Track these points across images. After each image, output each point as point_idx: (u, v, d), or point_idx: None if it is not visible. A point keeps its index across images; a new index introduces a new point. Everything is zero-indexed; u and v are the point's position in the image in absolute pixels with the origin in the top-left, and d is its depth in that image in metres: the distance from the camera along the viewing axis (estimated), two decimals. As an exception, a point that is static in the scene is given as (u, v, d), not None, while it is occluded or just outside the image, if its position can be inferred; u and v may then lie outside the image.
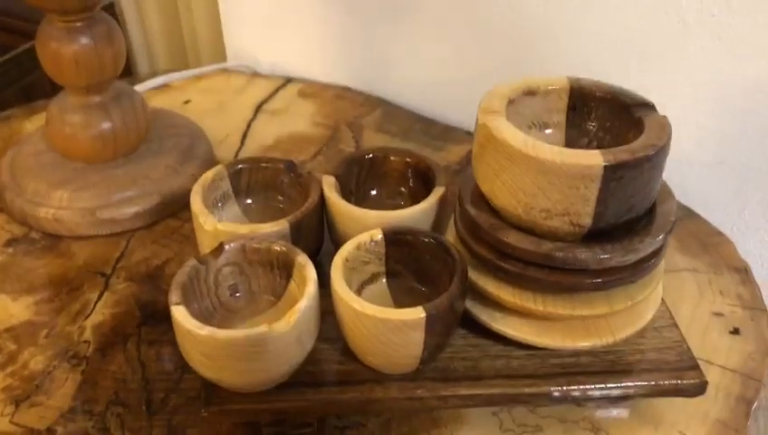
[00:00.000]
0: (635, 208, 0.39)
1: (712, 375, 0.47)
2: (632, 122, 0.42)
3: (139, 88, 0.72)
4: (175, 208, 0.60)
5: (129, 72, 0.92)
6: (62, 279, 0.54)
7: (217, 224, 0.44)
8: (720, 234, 0.60)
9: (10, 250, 0.56)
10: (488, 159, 0.40)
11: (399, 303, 0.44)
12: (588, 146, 0.44)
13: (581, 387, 0.42)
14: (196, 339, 0.37)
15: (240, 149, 0.68)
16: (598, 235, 0.39)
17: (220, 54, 0.86)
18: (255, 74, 0.81)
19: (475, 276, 0.43)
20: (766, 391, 0.48)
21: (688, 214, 0.61)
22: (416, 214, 0.45)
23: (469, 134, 0.71)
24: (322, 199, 0.47)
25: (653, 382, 0.42)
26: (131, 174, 0.59)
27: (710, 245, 0.58)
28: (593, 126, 0.44)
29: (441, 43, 0.72)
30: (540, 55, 0.67)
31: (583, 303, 0.40)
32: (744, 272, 0.56)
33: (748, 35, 0.58)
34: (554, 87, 0.44)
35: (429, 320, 0.38)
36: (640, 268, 0.40)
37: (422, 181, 0.50)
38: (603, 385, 0.42)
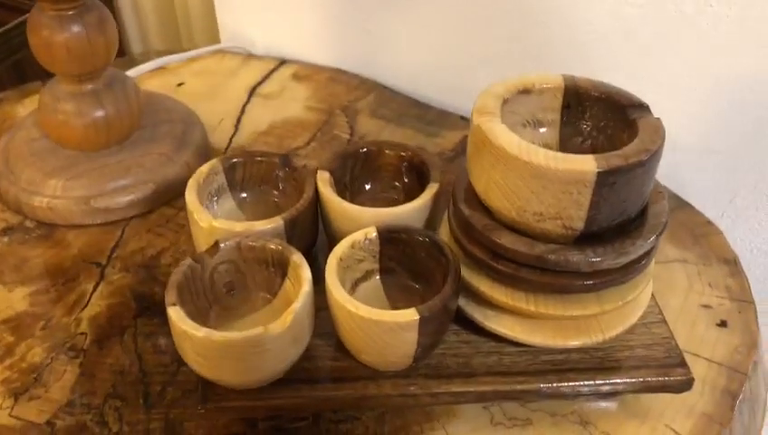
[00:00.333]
0: (627, 211, 0.40)
1: (698, 368, 0.48)
2: (626, 123, 0.42)
3: (132, 72, 0.72)
4: (169, 197, 0.60)
5: (122, 53, 0.91)
6: (58, 269, 0.54)
7: (213, 221, 0.44)
8: (710, 223, 0.60)
9: (5, 239, 0.56)
10: (482, 160, 0.40)
11: (393, 299, 0.45)
12: (582, 145, 0.45)
13: (571, 384, 0.43)
14: (193, 340, 0.38)
15: (234, 134, 0.68)
16: (590, 236, 0.40)
17: (213, 34, 0.85)
18: (250, 56, 0.80)
19: (469, 275, 0.43)
20: (750, 384, 0.49)
21: (680, 204, 0.62)
22: (410, 211, 0.46)
23: (464, 119, 0.71)
24: (317, 195, 0.47)
25: (641, 379, 0.43)
26: (125, 162, 0.59)
27: (700, 235, 0.59)
28: (588, 125, 0.44)
29: (437, 27, 0.71)
30: (534, 42, 0.67)
31: (575, 303, 0.41)
32: (733, 263, 0.57)
33: (745, 27, 0.58)
34: (549, 85, 0.44)
35: (423, 321, 0.39)
36: (631, 269, 0.41)
37: (417, 175, 0.50)
38: (592, 382, 0.43)
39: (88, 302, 0.52)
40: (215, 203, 0.49)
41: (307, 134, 0.68)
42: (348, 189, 0.50)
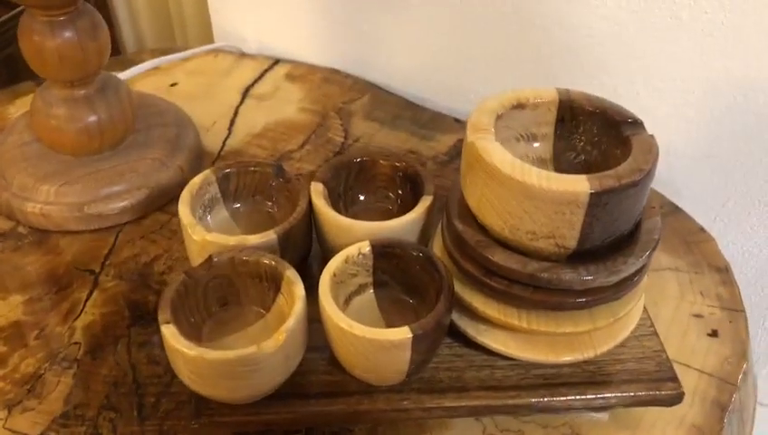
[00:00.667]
0: (620, 229, 0.40)
1: (689, 379, 0.48)
2: (620, 140, 0.42)
3: (126, 74, 0.71)
4: (163, 202, 0.60)
5: (116, 51, 0.90)
6: (51, 277, 0.54)
7: (206, 235, 0.44)
8: (703, 231, 0.61)
9: (-2, 246, 0.56)
10: (476, 178, 0.40)
11: (386, 313, 0.45)
12: (575, 160, 0.45)
13: (563, 399, 0.43)
14: (186, 359, 0.38)
15: (228, 137, 0.68)
16: (583, 253, 0.40)
17: (207, 31, 0.84)
18: (243, 55, 0.79)
19: (462, 290, 0.43)
20: (740, 394, 0.49)
21: (673, 210, 0.62)
22: (404, 224, 0.46)
23: (458, 122, 0.71)
24: (311, 206, 0.47)
25: (632, 394, 0.43)
26: (119, 168, 0.59)
27: (693, 243, 0.59)
28: (581, 140, 0.44)
29: (432, 27, 0.71)
30: (530, 45, 0.67)
31: (567, 320, 0.41)
32: (725, 271, 0.57)
33: (739, 33, 0.58)
34: (543, 100, 0.44)
35: (416, 340, 0.39)
36: (624, 286, 0.41)
37: (411, 185, 0.50)
38: (584, 396, 0.43)
39: (82, 310, 0.52)
40: (208, 214, 0.49)
41: (301, 137, 0.68)
42: (342, 199, 0.50)
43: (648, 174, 0.39)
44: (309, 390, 0.43)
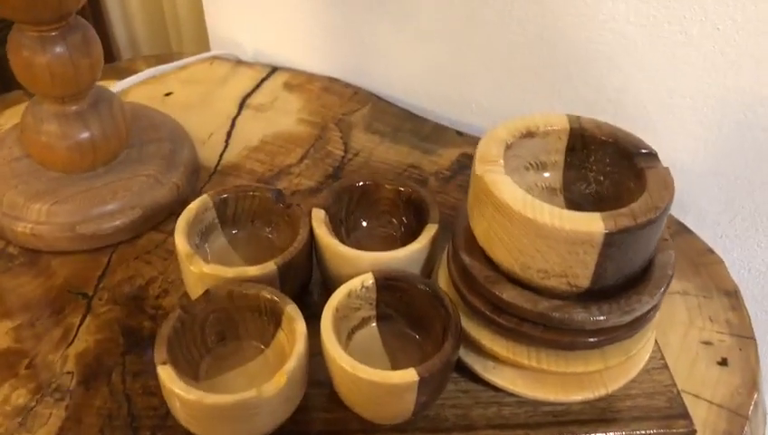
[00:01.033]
0: (634, 267, 0.38)
1: (699, 411, 0.47)
2: (634, 172, 0.40)
3: (119, 86, 0.69)
4: (158, 220, 0.58)
5: (111, 59, 0.88)
6: (43, 301, 0.52)
7: (204, 267, 0.43)
8: (711, 252, 0.59)
9: (-13, 267, 0.55)
10: (484, 211, 0.39)
11: (390, 348, 0.43)
12: (586, 190, 0.43)
13: (572, 438, 0.42)
14: (183, 402, 0.37)
15: (224, 151, 0.66)
16: (595, 290, 0.39)
17: (202, 33, 0.82)
18: (239, 62, 0.77)
19: (468, 325, 0.42)
20: (750, 426, 0.48)
21: (681, 230, 0.61)
22: (408, 254, 0.44)
23: (460, 134, 0.69)
24: (312, 233, 0.46)
25: (643, 432, 0.42)
26: (112, 185, 0.57)
27: (701, 264, 0.58)
28: (592, 170, 0.43)
29: (433, 37, 0.69)
30: (534, 59, 0.65)
31: (578, 359, 0.40)
32: (733, 295, 0.56)
33: (751, 50, 0.57)
34: (554, 127, 0.43)
35: (422, 382, 0.37)
36: (637, 325, 0.40)
37: (414, 210, 0.49)
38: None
39: (74, 337, 0.50)
40: (206, 241, 0.47)
41: (300, 150, 0.66)
42: (343, 225, 0.49)
43: (665, 211, 0.37)
44: (309, 427, 0.41)
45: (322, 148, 0.67)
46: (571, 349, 0.40)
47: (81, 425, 0.45)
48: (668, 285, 0.40)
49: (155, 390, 0.47)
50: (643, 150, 0.41)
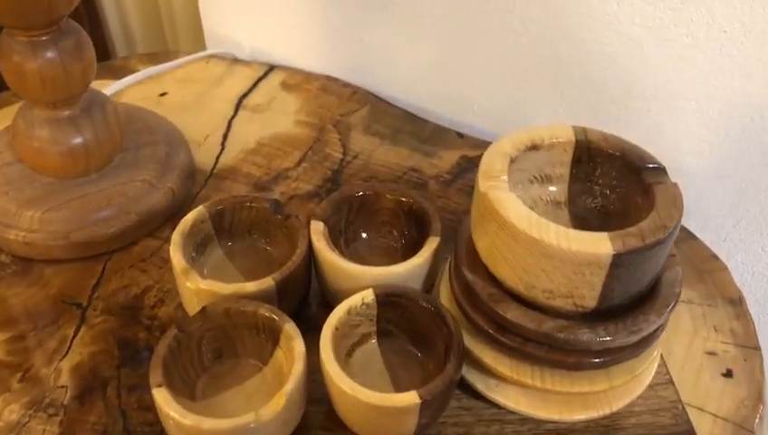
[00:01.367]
0: (641, 287, 0.38)
1: (704, 424, 0.47)
2: (641, 187, 0.39)
3: (113, 88, 0.68)
4: (153, 227, 0.57)
5: (106, 57, 0.87)
6: (36, 311, 0.51)
7: (200, 282, 0.42)
8: (716, 258, 0.58)
9: (-21, 276, 0.53)
10: (488, 228, 0.38)
11: (391, 365, 0.43)
12: (592, 203, 0.42)
13: (576, 457, 0.41)
14: (179, 426, 0.36)
15: (221, 153, 0.64)
16: (601, 310, 0.38)
17: (199, 35, 0.80)
18: (236, 61, 0.76)
19: (471, 343, 0.41)
20: (756, 439, 0.48)
21: (685, 236, 0.60)
22: (410, 269, 0.43)
23: (461, 136, 0.68)
24: (310, 246, 0.45)
25: (648, 450, 0.42)
26: (106, 191, 0.56)
27: (705, 272, 0.57)
28: (598, 184, 0.42)
29: (434, 37, 0.68)
30: (536, 59, 0.64)
31: (583, 379, 0.39)
32: (738, 304, 0.55)
33: (759, 53, 0.55)
34: (559, 140, 0.41)
35: (424, 405, 0.37)
36: (643, 344, 0.39)
37: (415, 220, 0.48)
38: (598, 454, 0.41)
39: (68, 349, 0.49)
40: (202, 254, 0.46)
41: (297, 153, 0.65)
42: (342, 236, 0.48)
43: (674, 231, 0.36)
44: (308, 448, 0.41)
45: (321, 150, 0.65)
46: (576, 369, 0.39)
47: (76, 442, 0.44)
48: (676, 303, 0.39)
49: (151, 405, 0.46)
50: (651, 165, 0.39)
